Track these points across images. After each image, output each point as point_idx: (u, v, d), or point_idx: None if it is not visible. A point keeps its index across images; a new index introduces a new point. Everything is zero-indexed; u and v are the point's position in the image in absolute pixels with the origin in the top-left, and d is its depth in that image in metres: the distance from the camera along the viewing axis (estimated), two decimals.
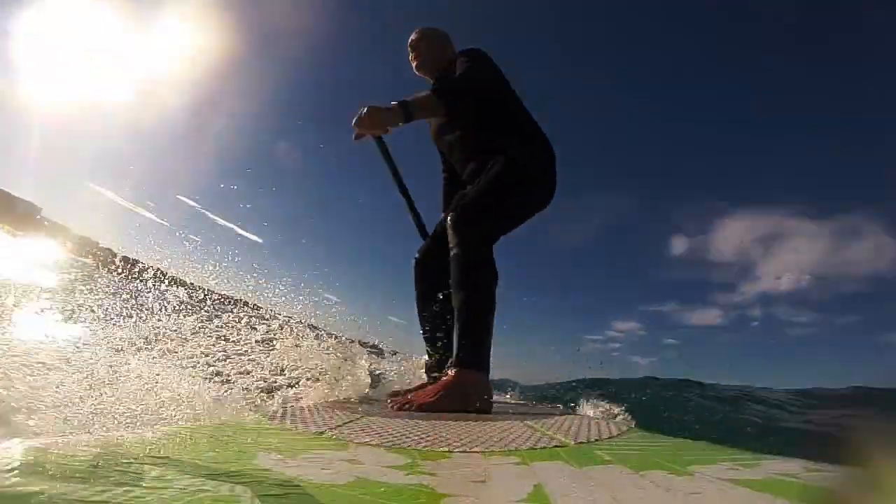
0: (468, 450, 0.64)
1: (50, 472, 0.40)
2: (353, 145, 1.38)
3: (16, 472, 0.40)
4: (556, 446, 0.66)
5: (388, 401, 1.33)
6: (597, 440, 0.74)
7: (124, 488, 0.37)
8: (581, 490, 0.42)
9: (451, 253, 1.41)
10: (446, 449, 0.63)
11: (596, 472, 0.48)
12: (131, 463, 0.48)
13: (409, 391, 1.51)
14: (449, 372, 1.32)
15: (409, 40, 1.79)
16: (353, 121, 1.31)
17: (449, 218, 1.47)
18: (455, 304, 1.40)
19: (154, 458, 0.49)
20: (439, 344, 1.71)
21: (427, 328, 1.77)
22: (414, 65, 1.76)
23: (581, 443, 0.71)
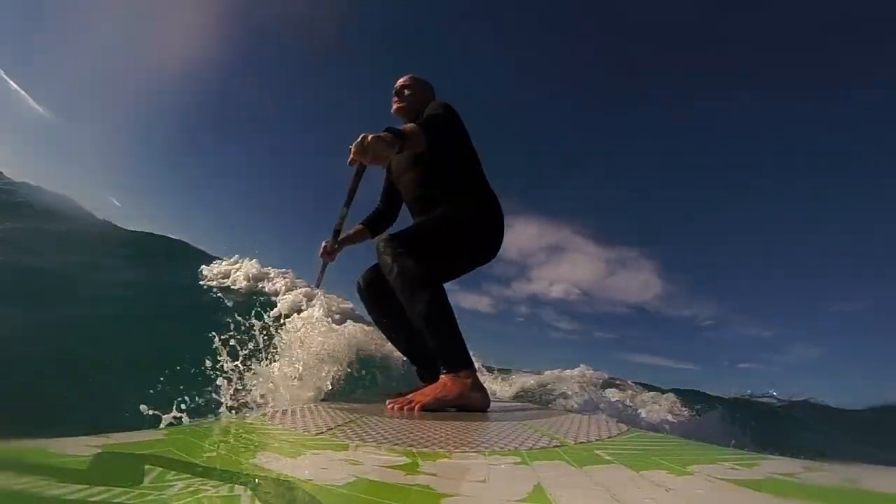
0: (468, 450, 0.64)
1: (50, 472, 0.40)
2: (347, 165, 1.40)
3: (16, 472, 0.40)
4: (556, 446, 0.66)
5: (388, 402, 1.34)
6: (597, 440, 0.74)
7: (124, 488, 0.37)
8: (581, 490, 0.42)
9: (391, 276, 1.48)
10: (446, 449, 0.63)
11: (596, 472, 0.48)
12: (131, 463, 0.48)
13: (409, 393, 1.53)
14: (442, 376, 1.38)
15: (398, 84, 1.86)
16: (354, 147, 1.31)
17: (379, 244, 1.54)
18: (416, 324, 1.47)
19: (154, 458, 0.49)
20: (419, 360, 1.83)
21: (403, 350, 1.89)
22: (394, 107, 1.84)
23: (581, 443, 0.71)
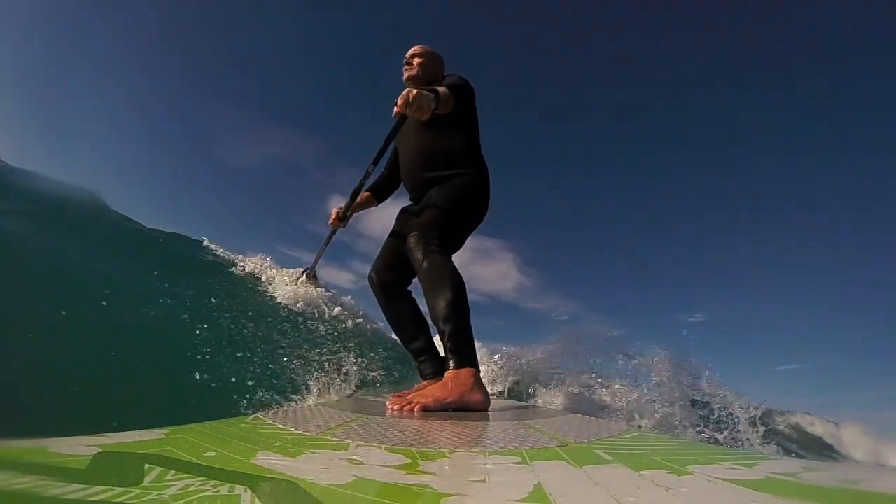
0: (468, 450, 0.64)
1: (50, 472, 0.40)
2: (393, 115, 1.53)
3: (16, 472, 0.40)
4: (556, 446, 0.66)
5: (388, 402, 1.34)
6: (597, 440, 0.74)
7: (124, 488, 0.37)
8: (581, 490, 0.42)
9: (420, 270, 1.54)
10: (446, 449, 0.63)
11: (596, 472, 0.48)
12: (131, 463, 0.48)
13: (410, 393, 1.54)
14: (447, 373, 1.38)
15: (409, 53, 1.91)
16: (400, 99, 1.42)
17: (411, 240, 1.60)
18: (434, 314, 1.50)
19: (154, 458, 0.49)
20: (423, 357, 1.84)
21: (409, 346, 1.90)
22: (406, 75, 1.89)
23: (581, 442, 0.71)
